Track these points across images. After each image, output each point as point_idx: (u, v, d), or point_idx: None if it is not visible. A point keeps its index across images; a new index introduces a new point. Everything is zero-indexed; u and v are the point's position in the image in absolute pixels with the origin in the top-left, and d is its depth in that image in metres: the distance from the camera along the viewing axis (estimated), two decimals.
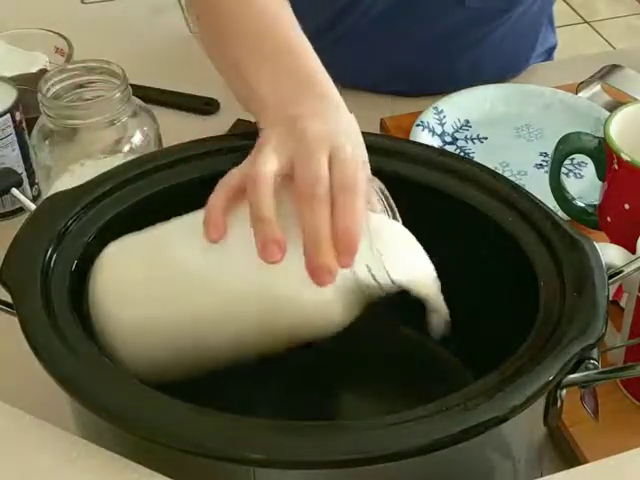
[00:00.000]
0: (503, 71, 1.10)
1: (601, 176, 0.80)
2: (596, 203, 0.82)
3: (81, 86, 0.83)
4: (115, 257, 0.62)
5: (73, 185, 0.67)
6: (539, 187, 0.80)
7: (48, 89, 0.81)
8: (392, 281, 0.58)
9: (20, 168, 0.89)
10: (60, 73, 0.82)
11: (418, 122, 0.99)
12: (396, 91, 1.08)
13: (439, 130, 0.99)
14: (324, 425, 0.53)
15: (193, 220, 0.60)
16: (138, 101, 0.84)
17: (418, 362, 0.71)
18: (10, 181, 0.68)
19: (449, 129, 1.00)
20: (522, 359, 0.56)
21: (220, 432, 0.52)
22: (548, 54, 1.18)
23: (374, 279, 0.58)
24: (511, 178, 0.70)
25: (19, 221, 0.66)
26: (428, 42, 1.04)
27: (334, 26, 1.05)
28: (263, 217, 0.57)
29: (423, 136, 0.97)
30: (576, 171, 0.95)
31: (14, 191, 0.68)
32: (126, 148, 0.83)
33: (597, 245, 0.62)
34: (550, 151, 0.83)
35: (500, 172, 0.71)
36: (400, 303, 0.61)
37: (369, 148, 0.71)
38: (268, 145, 0.61)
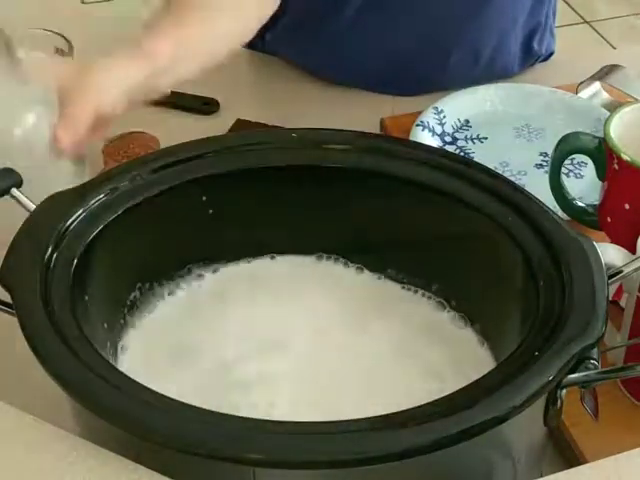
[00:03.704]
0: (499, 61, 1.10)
1: (601, 176, 0.80)
2: (596, 203, 0.82)
3: None
4: None
5: None
6: (539, 187, 0.80)
7: None
8: None
9: None
10: None
11: (418, 122, 0.99)
12: (396, 89, 1.08)
13: (439, 130, 0.99)
14: (324, 425, 0.53)
15: None
16: None
17: None
18: (10, 181, 0.68)
19: (449, 129, 1.00)
20: (522, 359, 0.56)
21: (220, 432, 0.52)
22: (544, 59, 1.18)
23: None
24: (511, 178, 0.70)
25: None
26: (424, 27, 1.05)
27: (331, 18, 1.06)
28: None
29: (423, 136, 0.97)
30: (576, 171, 0.95)
31: (14, 191, 0.68)
32: None
33: (597, 245, 0.62)
34: (550, 151, 0.83)
35: (500, 172, 0.71)
36: None
37: (370, 149, 0.71)
38: None
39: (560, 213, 0.81)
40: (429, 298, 0.72)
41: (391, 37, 1.06)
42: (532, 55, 1.13)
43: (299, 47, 1.10)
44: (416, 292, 0.72)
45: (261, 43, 1.14)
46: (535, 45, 1.13)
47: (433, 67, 1.07)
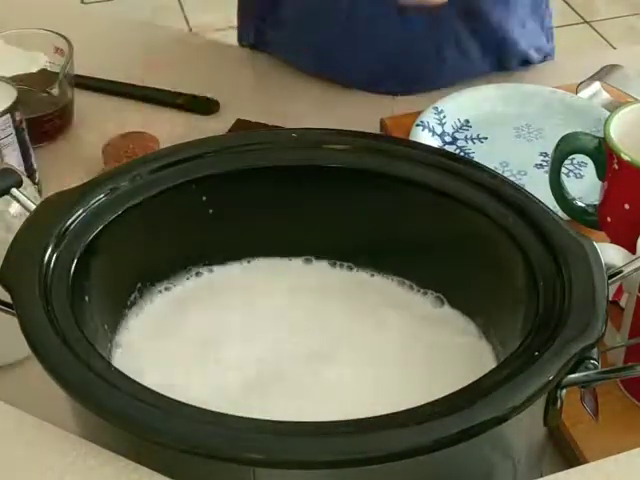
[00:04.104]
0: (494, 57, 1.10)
1: (601, 176, 0.80)
2: (596, 203, 0.82)
3: None
4: None
5: None
6: (539, 187, 0.80)
7: None
8: None
9: (20, 168, 0.89)
10: None
11: (418, 122, 0.99)
12: (393, 88, 1.08)
13: (439, 130, 0.99)
14: (324, 425, 0.53)
15: None
16: None
17: None
18: (10, 181, 0.68)
19: (449, 129, 1.00)
20: (522, 359, 0.56)
21: (220, 432, 0.52)
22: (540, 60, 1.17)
23: None
24: (511, 178, 0.70)
25: None
26: (419, 27, 1.05)
27: (325, 22, 1.06)
28: None
29: (423, 136, 0.97)
30: (576, 171, 0.95)
31: (14, 191, 0.68)
32: None
33: (597, 245, 0.62)
34: (550, 151, 0.83)
35: (500, 172, 0.71)
36: None
37: (370, 149, 0.71)
38: None
39: (560, 213, 0.81)
40: (424, 294, 0.72)
41: (386, 37, 1.06)
42: (529, 56, 1.13)
43: (298, 50, 1.10)
44: (412, 288, 0.72)
45: (261, 44, 1.14)
46: (531, 47, 1.13)
47: (430, 67, 1.07)
